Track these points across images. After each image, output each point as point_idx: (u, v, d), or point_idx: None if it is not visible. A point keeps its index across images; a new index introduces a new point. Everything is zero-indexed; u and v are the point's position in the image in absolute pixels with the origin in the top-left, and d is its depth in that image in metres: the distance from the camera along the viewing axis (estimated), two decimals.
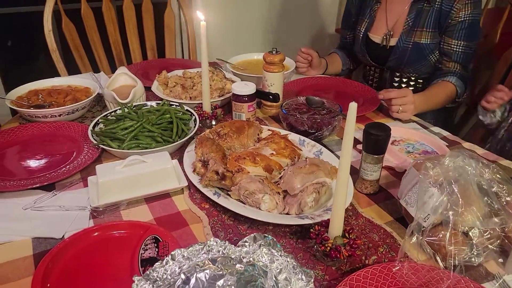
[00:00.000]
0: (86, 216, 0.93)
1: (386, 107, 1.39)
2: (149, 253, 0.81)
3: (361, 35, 1.68)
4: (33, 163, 1.11)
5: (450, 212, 0.78)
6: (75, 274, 0.78)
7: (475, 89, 1.89)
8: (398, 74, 1.64)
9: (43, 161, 1.12)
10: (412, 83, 1.64)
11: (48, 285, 0.74)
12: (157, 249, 0.82)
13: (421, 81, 1.62)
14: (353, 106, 0.65)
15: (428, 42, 1.52)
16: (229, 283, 0.61)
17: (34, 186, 0.99)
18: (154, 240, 0.84)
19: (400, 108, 1.33)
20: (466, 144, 1.24)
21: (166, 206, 0.96)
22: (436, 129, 1.33)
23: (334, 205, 0.77)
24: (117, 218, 0.93)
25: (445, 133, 1.31)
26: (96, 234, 0.87)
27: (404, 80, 1.64)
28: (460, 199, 0.77)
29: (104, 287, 0.76)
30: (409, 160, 1.11)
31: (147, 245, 0.83)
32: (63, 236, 0.87)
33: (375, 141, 0.95)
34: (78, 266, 0.80)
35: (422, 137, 1.24)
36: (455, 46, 1.50)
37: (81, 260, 0.81)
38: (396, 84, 1.66)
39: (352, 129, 0.67)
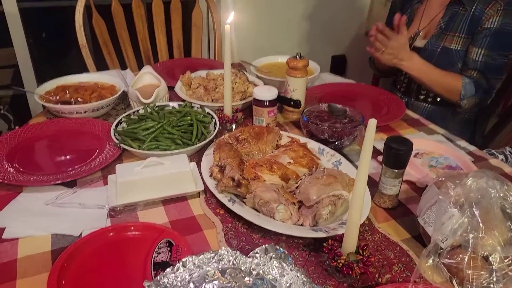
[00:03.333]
0: (103, 215, 0.95)
1: (411, 119, 1.37)
2: (162, 257, 0.82)
3: None
4: (56, 159, 1.15)
5: (470, 235, 0.75)
6: (90, 273, 0.80)
7: (510, 100, 1.82)
8: None
9: (66, 157, 1.14)
10: None
11: (64, 282, 0.76)
12: (170, 253, 0.83)
13: None
14: (372, 123, 0.64)
15: (459, 48, 1.47)
16: None
17: (56, 182, 1.02)
18: (167, 244, 0.85)
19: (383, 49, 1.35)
20: (493, 161, 1.20)
21: (181, 209, 0.97)
22: (463, 143, 1.29)
23: (349, 221, 0.76)
24: (134, 219, 0.95)
25: (472, 147, 1.27)
26: (111, 234, 0.89)
27: None
28: (481, 223, 0.75)
29: None
30: (431, 175, 1.08)
31: (160, 248, 0.84)
32: (81, 234, 0.89)
33: (395, 155, 0.92)
34: (93, 265, 0.82)
35: (447, 151, 1.20)
36: (474, 55, 1.44)
37: (96, 259, 0.83)
38: (424, 92, 1.62)
39: (370, 147, 0.65)
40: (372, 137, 0.65)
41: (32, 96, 1.38)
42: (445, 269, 0.76)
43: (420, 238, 0.90)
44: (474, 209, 0.76)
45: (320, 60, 1.66)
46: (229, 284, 0.63)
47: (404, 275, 0.81)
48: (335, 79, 1.74)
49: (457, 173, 0.91)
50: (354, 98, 1.55)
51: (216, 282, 0.64)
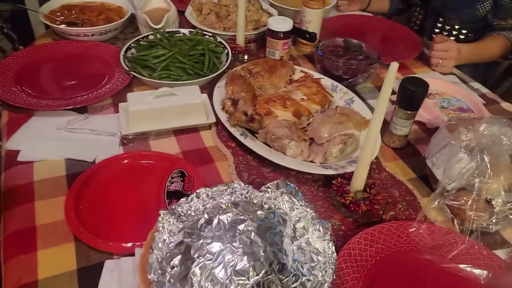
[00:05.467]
0: (116, 143, 0.96)
1: (426, 57, 1.33)
2: (175, 186, 0.85)
3: None
4: (66, 83, 1.13)
5: (476, 180, 0.77)
6: (105, 198, 0.83)
7: None
8: (441, 20, 1.53)
9: (75, 82, 1.13)
10: (454, 32, 1.52)
11: (80, 207, 0.79)
12: (182, 183, 0.85)
13: (465, 31, 1.50)
14: (394, 67, 0.63)
15: None
16: (249, 228, 0.64)
17: (67, 107, 1.02)
18: (180, 174, 0.87)
19: (440, 62, 1.27)
20: (505, 105, 1.19)
21: (193, 141, 0.98)
22: (476, 85, 1.27)
23: (359, 160, 0.77)
24: (146, 148, 0.96)
25: (485, 89, 1.25)
26: (125, 161, 0.91)
27: (447, 27, 1.53)
28: (489, 169, 0.76)
29: (131, 213, 0.80)
30: (442, 117, 1.08)
31: (173, 178, 0.86)
32: (94, 160, 0.91)
33: (410, 97, 0.92)
34: (108, 190, 0.84)
35: (459, 92, 1.19)
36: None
37: (110, 185, 0.85)
38: (437, 31, 1.55)
39: (389, 90, 0.65)
40: (392, 80, 0.64)
41: (34, 14, 1.32)
42: (448, 210, 0.79)
43: (426, 178, 0.92)
44: (484, 154, 0.77)
45: None
46: (242, 217, 0.66)
47: (408, 213, 0.85)
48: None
49: (469, 118, 0.92)
50: (370, 32, 1.50)
51: (230, 214, 0.66)
